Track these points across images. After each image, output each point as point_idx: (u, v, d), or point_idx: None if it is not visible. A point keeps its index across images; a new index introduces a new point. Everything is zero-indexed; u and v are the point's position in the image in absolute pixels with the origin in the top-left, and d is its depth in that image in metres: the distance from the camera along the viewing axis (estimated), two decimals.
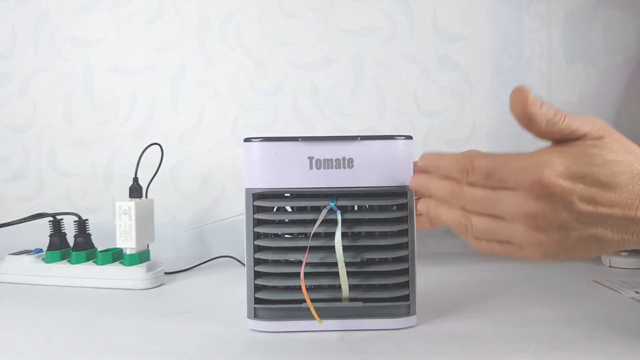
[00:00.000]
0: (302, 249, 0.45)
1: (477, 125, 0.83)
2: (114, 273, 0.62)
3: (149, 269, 0.62)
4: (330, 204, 0.44)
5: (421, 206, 0.41)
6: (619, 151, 0.36)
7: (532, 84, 0.82)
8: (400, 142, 0.44)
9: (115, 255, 0.65)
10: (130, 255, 0.63)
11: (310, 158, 0.44)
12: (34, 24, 0.85)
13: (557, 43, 0.82)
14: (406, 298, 0.45)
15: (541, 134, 0.38)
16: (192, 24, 0.84)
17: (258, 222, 0.46)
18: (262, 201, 0.45)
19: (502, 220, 0.37)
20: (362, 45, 0.84)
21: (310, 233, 0.44)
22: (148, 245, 0.66)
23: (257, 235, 0.45)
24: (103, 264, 0.63)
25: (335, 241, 0.43)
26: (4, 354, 0.41)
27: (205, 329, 0.46)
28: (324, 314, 0.44)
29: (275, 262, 0.46)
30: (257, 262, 0.45)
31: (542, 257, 0.37)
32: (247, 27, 0.84)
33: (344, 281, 0.44)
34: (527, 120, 0.37)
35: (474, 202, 0.38)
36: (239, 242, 0.47)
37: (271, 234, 0.46)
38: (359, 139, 0.44)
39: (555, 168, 0.35)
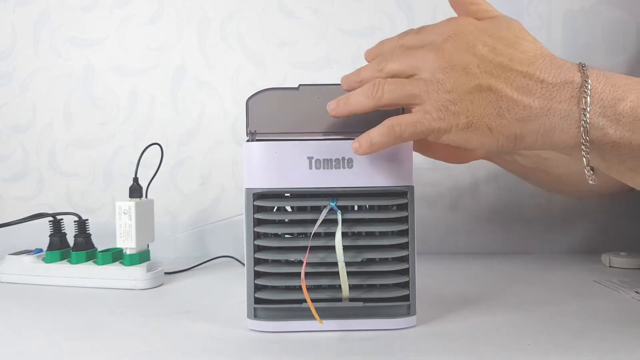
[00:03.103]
0: (302, 249, 0.45)
1: None
2: (114, 273, 0.62)
3: (149, 269, 0.62)
4: (331, 204, 0.44)
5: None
6: (524, 29, 0.41)
7: None
8: None
9: (115, 255, 0.65)
10: (130, 255, 0.63)
11: (310, 158, 0.44)
12: (34, 24, 0.85)
13: (557, 43, 0.82)
14: (406, 298, 0.45)
15: (466, 8, 0.43)
16: (192, 24, 0.84)
17: (258, 222, 0.46)
18: (262, 201, 0.45)
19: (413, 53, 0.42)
20: (362, 45, 0.83)
21: (311, 233, 0.44)
22: (148, 245, 0.66)
23: (257, 235, 0.45)
24: (103, 264, 0.63)
25: (335, 241, 0.43)
26: (4, 354, 0.41)
27: (205, 329, 0.46)
28: (323, 314, 0.44)
29: (276, 262, 0.46)
30: (257, 262, 0.45)
31: (442, 110, 0.39)
32: (247, 27, 0.84)
33: (344, 281, 0.44)
34: None
35: (394, 52, 0.44)
36: (239, 242, 0.47)
37: (271, 234, 0.46)
38: None
39: (468, 19, 0.41)
